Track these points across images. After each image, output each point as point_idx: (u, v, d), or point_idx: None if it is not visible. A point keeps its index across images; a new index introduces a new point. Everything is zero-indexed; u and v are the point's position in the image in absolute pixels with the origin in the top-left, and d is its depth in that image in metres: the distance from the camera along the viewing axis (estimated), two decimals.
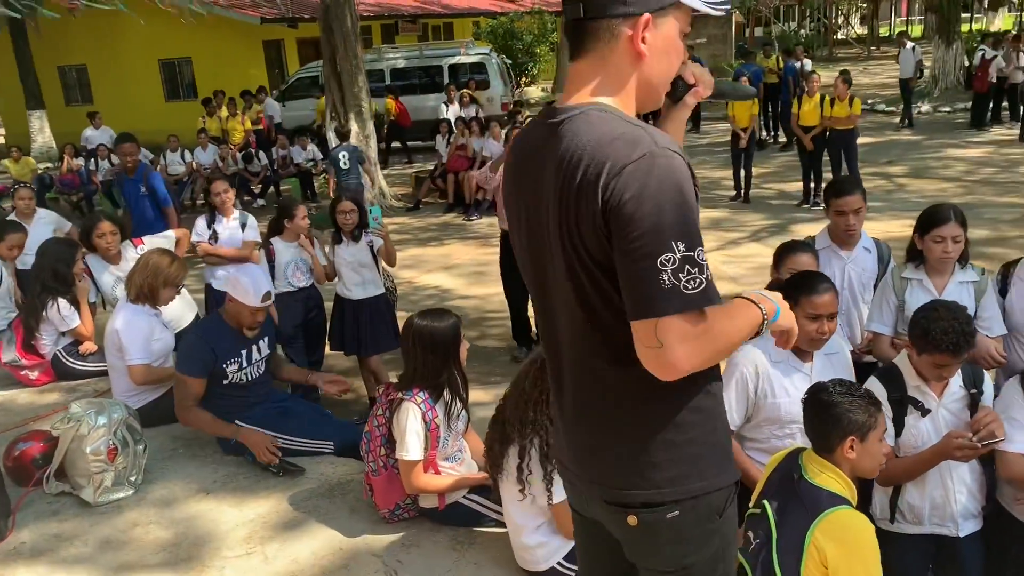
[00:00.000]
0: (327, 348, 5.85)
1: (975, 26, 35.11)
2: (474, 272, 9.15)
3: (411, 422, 3.14)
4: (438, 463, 3.29)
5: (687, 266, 1.45)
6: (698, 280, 1.46)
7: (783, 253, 3.59)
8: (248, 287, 4.01)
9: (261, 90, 17.54)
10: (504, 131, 11.13)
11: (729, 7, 1.71)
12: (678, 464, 1.66)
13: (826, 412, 2.32)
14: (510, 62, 21.85)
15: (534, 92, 26.57)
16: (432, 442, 3.21)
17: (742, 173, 11.19)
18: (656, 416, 1.65)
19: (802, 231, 9.53)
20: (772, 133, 15.88)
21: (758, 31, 36.78)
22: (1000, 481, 2.95)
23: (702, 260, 1.48)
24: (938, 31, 19.02)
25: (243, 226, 5.88)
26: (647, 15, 1.57)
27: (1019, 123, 14.48)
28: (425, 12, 27.27)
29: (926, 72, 18.73)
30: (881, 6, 39.03)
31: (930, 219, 3.38)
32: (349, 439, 3.97)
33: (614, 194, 1.47)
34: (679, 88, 1.86)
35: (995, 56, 14.89)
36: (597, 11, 1.57)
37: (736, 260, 8.72)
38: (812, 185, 10.66)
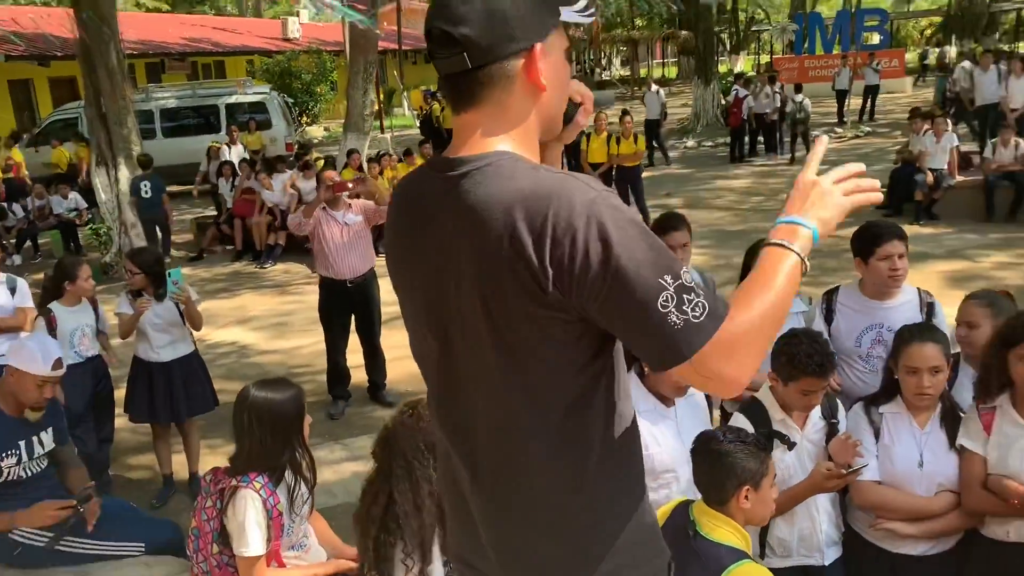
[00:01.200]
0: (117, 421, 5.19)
1: (721, 67, 38.72)
2: (274, 324, 8.59)
3: (250, 512, 2.73)
4: (282, 554, 2.89)
5: (683, 295, 1.31)
6: (700, 304, 1.32)
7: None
8: (35, 352, 3.42)
9: (13, 135, 15.78)
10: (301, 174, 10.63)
11: (595, 13, 1.56)
12: (616, 555, 1.50)
13: (719, 462, 2.23)
14: (291, 101, 21.19)
15: (316, 131, 25.96)
16: (275, 532, 2.81)
17: None
18: (590, 506, 1.48)
19: None
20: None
21: None
22: (852, 506, 3.03)
23: (689, 280, 1.33)
24: (697, 72, 20.66)
25: (12, 291, 5.07)
26: (538, 44, 1.41)
27: (776, 153, 16.00)
28: (194, 49, 25.92)
29: (688, 110, 20.33)
30: (640, 49, 41.99)
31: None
32: (162, 537, 3.44)
33: (571, 254, 1.29)
34: (569, 109, 1.69)
35: (747, 95, 16.34)
36: (486, 57, 1.38)
37: None
38: None
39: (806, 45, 29.39)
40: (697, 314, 1.31)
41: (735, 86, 17.03)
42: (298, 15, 34.16)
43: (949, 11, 38.24)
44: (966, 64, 15.43)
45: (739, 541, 2.19)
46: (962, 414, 2.93)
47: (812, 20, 30.03)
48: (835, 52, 27.30)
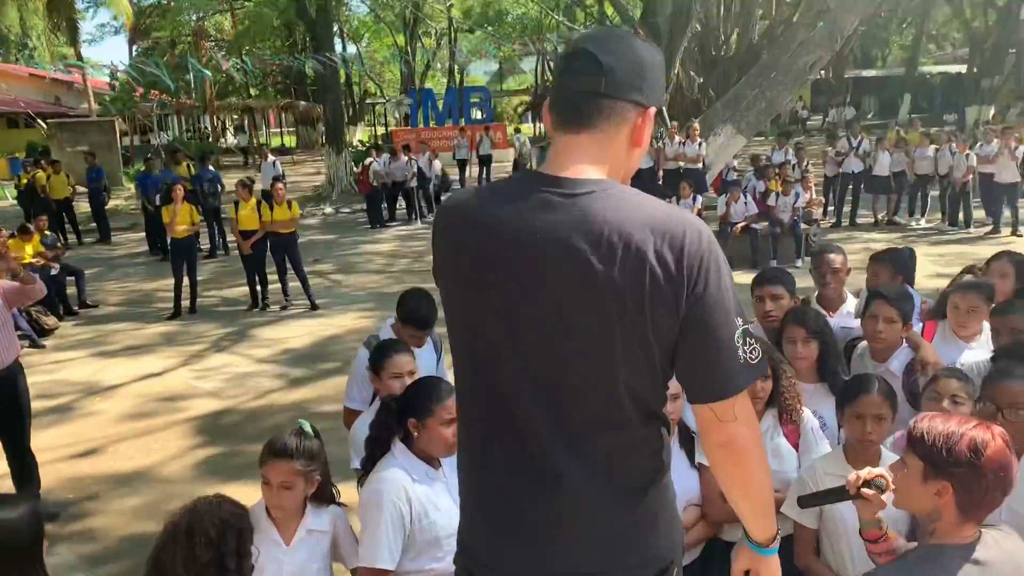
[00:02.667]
0: None
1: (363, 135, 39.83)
2: None
3: None
4: None
5: (747, 338, 1.56)
6: (757, 350, 1.57)
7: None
8: None
9: None
10: None
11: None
12: (669, 522, 1.73)
13: None
14: None
15: None
16: None
17: (186, 281, 10.57)
18: (656, 479, 1.69)
19: (295, 330, 9.50)
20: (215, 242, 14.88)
21: (137, 139, 35.79)
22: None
23: (750, 328, 1.58)
24: (328, 142, 20.93)
25: None
26: (652, 109, 1.64)
27: (415, 218, 16.80)
28: None
29: (316, 178, 20.52)
30: (256, 117, 41.44)
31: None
32: None
33: (697, 274, 1.51)
34: None
35: (372, 162, 16.87)
36: (618, 92, 1.59)
37: (209, 374, 8.19)
38: (259, 288, 10.63)
39: (421, 117, 31.37)
40: (754, 357, 1.57)
41: (371, 157, 17.49)
42: None
43: (536, 91, 43.47)
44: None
45: None
46: (694, 434, 3.29)
47: (424, 95, 32.13)
48: (448, 124, 29.48)
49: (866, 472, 2.14)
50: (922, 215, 14.36)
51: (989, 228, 13.18)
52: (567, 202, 1.54)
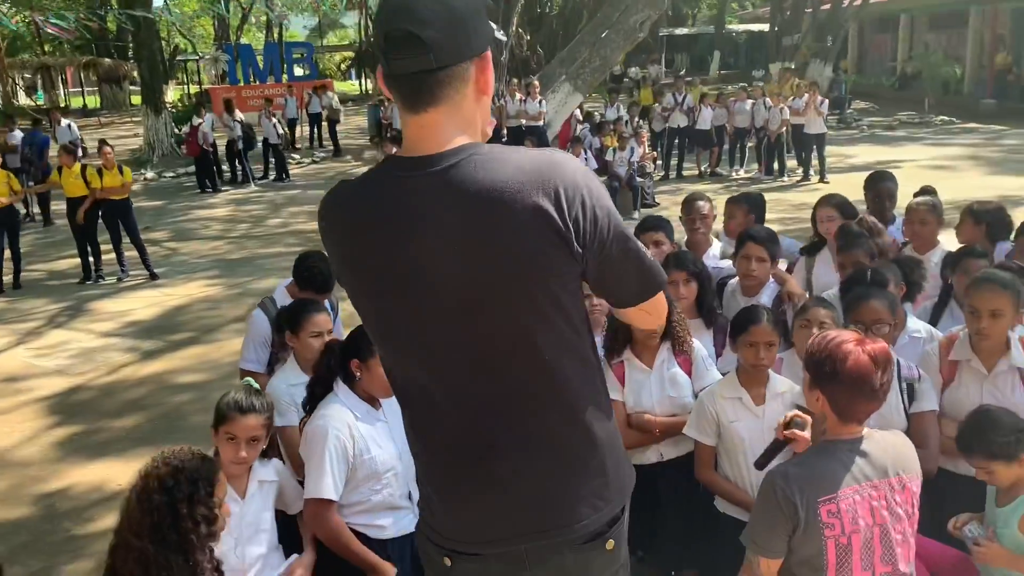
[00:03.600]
0: None
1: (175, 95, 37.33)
2: None
3: None
4: None
5: (640, 243, 1.68)
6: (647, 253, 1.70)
7: None
8: None
9: None
10: None
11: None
12: (616, 469, 1.73)
13: None
14: None
15: None
16: None
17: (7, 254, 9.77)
18: (597, 433, 1.69)
19: (137, 302, 9.00)
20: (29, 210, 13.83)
21: None
22: None
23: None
24: (145, 101, 19.60)
25: None
26: (488, 52, 1.57)
27: (248, 181, 16.21)
28: None
29: (139, 140, 19.26)
30: (53, 75, 38.03)
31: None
32: None
33: (582, 214, 1.52)
34: None
35: (200, 123, 16.04)
36: (451, 58, 1.50)
37: (51, 351, 7.69)
38: (91, 259, 9.99)
39: (240, 75, 29.88)
40: (653, 257, 1.72)
41: (196, 116, 16.61)
42: None
43: (360, 47, 42.46)
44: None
45: None
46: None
47: (242, 51, 30.59)
48: (270, 82, 28.33)
49: (783, 418, 2.48)
50: (741, 166, 15.45)
51: (800, 176, 14.41)
52: (436, 179, 1.51)
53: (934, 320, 3.99)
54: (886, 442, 2.34)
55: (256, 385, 2.88)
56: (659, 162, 15.47)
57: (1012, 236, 4.46)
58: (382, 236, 1.55)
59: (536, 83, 13.84)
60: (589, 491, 1.66)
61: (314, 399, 2.95)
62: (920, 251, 4.44)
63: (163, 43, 41.22)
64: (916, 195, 4.87)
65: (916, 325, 3.63)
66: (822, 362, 2.26)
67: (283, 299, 3.86)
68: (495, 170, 1.50)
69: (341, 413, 2.85)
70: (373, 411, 2.96)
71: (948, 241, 4.62)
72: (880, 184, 5.02)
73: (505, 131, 14.01)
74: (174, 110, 23.84)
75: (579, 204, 1.51)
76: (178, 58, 41.70)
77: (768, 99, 14.87)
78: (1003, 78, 24.62)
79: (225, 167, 17.10)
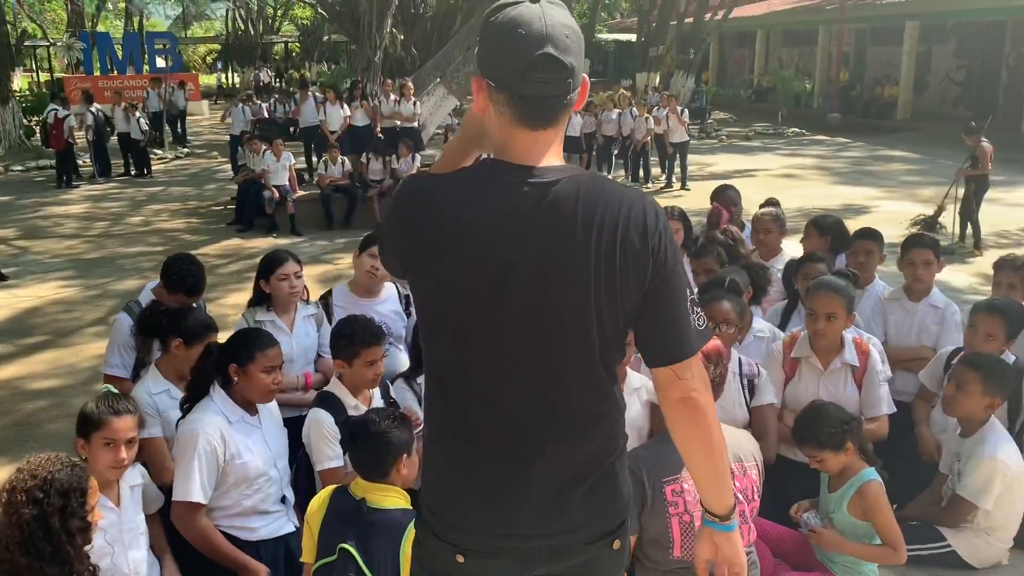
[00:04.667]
0: None
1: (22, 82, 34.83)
2: None
3: None
4: None
5: (696, 307, 1.73)
6: (703, 317, 1.75)
7: None
8: None
9: None
10: None
11: None
12: (624, 477, 1.83)
13: (378, 441, 2.49)
14: None
15: None
16: None
17: None
18: (620, 445, 1.80)
19: None
20: None
21: None
22: None
23: (696, 299, 1.76)
24: None
25: None
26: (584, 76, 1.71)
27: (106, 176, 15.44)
28: None
29: None
30: None
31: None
32: None
33: (659, 248, 1.65)
34: None
35: (67, 115, 15.23)
36: (577, 84, 1.65)
37: None
38: None
39: (97, 65, 28.39)
40: (702, 324, 1.74)
41: (52, 105, 15.69)
42: None
43: (227, 40, 41.09)
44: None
45: (407, 502, 2.51)
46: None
47: (100, 39, 29.09)
48: (130, 73, 27.04)
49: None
50: (608, 173, 15.98)
51: (663, 183, 15.06)
52: (543, 189, 1.63)
53: (784, 322, 4.34)
54: (728, 433, 2.56)
55: (115, 391, 2.84)
56: None
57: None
58: (481, 230, 1.63)
59: (410, 84, 13.85)
60: (607, 495, 1.78)
61: (190, 400, 2.94)
62: (765, 258, 4.81)
63: (9, 27, 38.67)
64: (761, 206, 5.26)
65: (760, 325, 3.95)
66: None
67: (148, 299, 3.79)
68: (596, 192, 1.65)
69: (214, 417, 2.87)
70: (248, 416, 2.98)
71: (794, 249, 5.00)
72: (723, 195, 5.44)
73: (379, 130, 13.97)
74: (24, 101, 22.37)
75: (658, 238, 1.66)
76: (26, 43, 39.13)
77: (635, 109, 15.44)
78: (847, 93, 26.47)
79: (83, 162, 16.24)
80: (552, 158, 1.68)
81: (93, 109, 15.95)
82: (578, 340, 1.67)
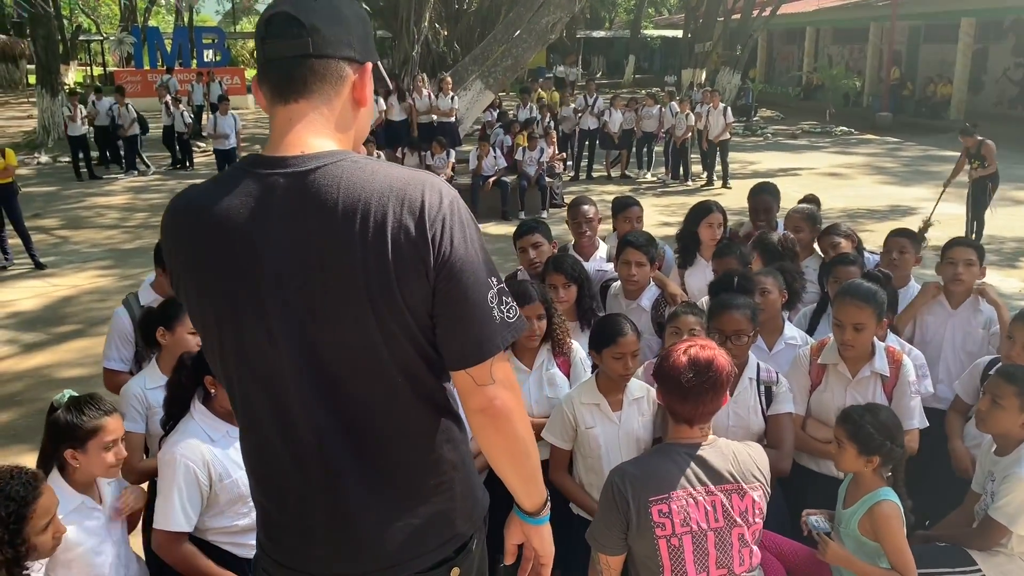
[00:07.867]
0: None
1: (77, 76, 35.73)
2: None
3: None
4: None
5: (503, 297, 1.51)
6: (514, 308, 1.53)
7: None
8: None
9: None
10: None
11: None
12: (464, 496, 1.67)
13: None
14: None
15: None
16: None
17: None
18: (446, 458, 1.62)
19: (21, 292, 8.57)
20: None
21: None
22: None
23: (505, 288, 1.54)
24: (41, 83, 18.68)
25: None
26: (369, 64, 1.57)
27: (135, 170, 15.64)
28: None
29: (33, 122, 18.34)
30: None
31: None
32: None
33: (441, 237, 1.44)
34: None
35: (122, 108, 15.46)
36: (328, 50, 1.49)
37: None
38: None
39: (147, 59, 28.86)
40: (511, 316, 1.52)
41: (91, 98, 15.95)
42: None
43: None
44: None
45: None
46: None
47: (150, 34, 29.57)
48: (178, 67, 27.42)
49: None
50: (648, 169, 15.73)
51: (704, 181, 14.77)
52: (296, 183, 1.45)
53: (813, 325, 4.13)
54: (729, 450, 2.40)
55: (76, 394, 2.68)
56: (569, 163, 15.61)
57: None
58: (235, 236, 1.46)
59: (448, 79, 13.79)
60: (437, 520, 1.61)
61: (171, 419, 2.79)
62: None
63: (65, 22, 39.56)
64: (800, 202, 5.03)
65: (792, 332, 3.75)
66: (659, 366, 2.39)
67: (148, 296, 3.70)
68: (361, 179, 1.44)
69: (195, 441, 2.69)
70: (232, 429, 2.75)
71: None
72: (758, 196, 5.10)
73: (416, 125, 13.92)
74: (80, 92, 22.80)
75: (440, 227, 1.44)
76: (80, 38, 40.03)
77: (675, 105, 15.18)
78: (898, 92, 25.80)
79: (94, 153, 16.47)
80: (318, 139, 1.49)
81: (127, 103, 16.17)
82: (359, 346, 1.47)
